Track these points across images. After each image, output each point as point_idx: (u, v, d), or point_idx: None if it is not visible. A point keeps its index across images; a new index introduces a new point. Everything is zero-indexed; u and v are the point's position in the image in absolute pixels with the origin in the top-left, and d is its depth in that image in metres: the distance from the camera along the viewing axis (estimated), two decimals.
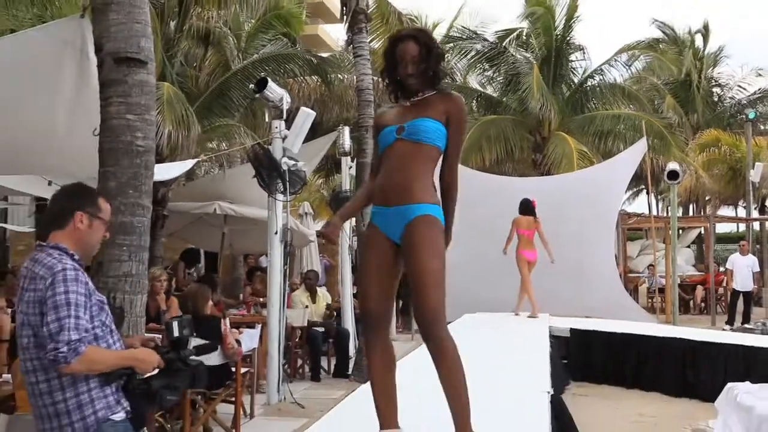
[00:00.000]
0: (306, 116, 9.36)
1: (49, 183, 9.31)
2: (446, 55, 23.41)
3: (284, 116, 9.20)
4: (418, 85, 3.41)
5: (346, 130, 12.14)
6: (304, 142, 9.56)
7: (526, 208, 11.35)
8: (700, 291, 20.24)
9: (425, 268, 3.18)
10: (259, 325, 8.66)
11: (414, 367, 4.98)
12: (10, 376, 5.20)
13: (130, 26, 4.49)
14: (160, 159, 11.51)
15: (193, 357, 3.23)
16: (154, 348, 3.19)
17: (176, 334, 3.26)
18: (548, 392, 5.31)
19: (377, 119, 3.66)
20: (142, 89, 4.55)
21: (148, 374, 3.01)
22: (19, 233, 18.42)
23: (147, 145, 4.57)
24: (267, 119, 9.66)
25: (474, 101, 22.97)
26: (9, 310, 6.65)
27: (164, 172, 10.12)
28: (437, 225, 3.30)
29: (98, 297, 3.00)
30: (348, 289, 12.25)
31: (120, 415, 2.92)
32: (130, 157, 4.50)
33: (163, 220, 12.88)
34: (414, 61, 3.36)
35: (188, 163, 11.83)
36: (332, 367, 10.98)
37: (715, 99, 30.61)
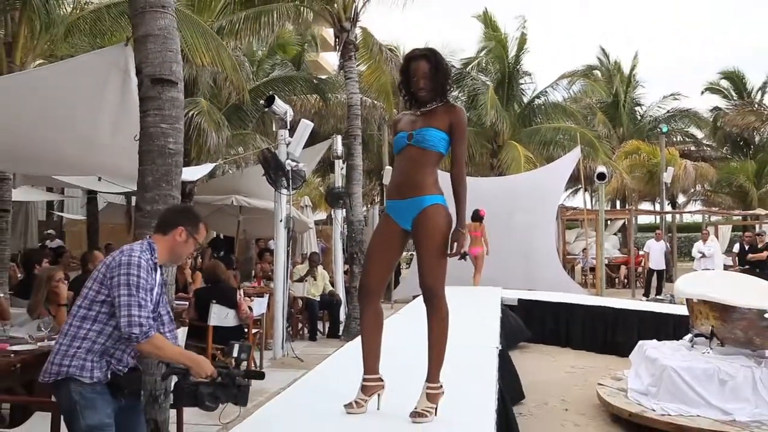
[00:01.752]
0: (306, 127, 9.40)
1: (99, 179, 9.30)
2: None
3: (288, 126, 9.24)
4: (427, 97, 3.31)
5: (339, 138, 12.18)
6: (304, 148, 9.60)
7: (475, 216, 12.23)
8: (623, 270, 20.43)
9: (432, 247, 3.17)
10: (267, 295, 8.72)
11: (389, 329, 5.04)
12: None
13: (164, 54, 4.51)
14: (188, 160, 11.58)
15: (240, 378, 3.04)
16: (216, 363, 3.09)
17: (234, 355, 3.15)
18: (497, 347, 5.40)
19: (395, 123, 3.54)
20: (173, 104, 4.58)
21: (200, 379, 2.95)
22: (73, 220, 18.39)
23: (177, 148, 4.60)
24: (274, 128, 9.68)
25: None
26: (66, 282, 6.63)
27: (191, 174, 10.17)
28: (444, 210, 3.25)
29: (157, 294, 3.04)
30: (340, 267, 12.30)
31: (88, 380, 2.84)
32: (164, 158, 4.53)
33: None
34: (424, 77, 3.28)
35: (209, 167, 11.87)
36: (326, 330, 11.06)
37: (638, 116, 30.83)
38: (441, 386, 3.19)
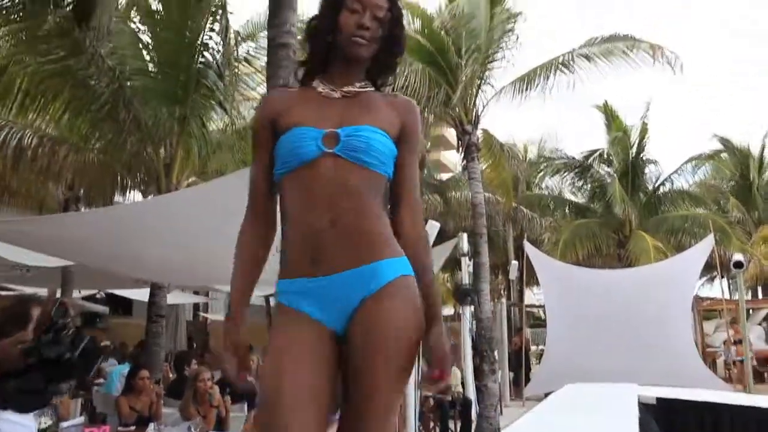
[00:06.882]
0: (433, 228, 9.53)
1: None
2: (541, 172, 23.52)
3: None
4: (364, 57, 1.85)
5: (464, 236, 12.25)
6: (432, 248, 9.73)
7: None
8: None
9: (392, 370, 1.65)
10: None
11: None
12: None
13: None
14: None
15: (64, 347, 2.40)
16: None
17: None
18: None
19: (270, 106, 1.90)
20: None
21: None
22: (217, 321, 19.28)
23: None
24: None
25: (566, 208, 22.86)
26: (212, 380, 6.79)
27: None
28: (416, 294, 1.74)
29: None
30: (470, 365, 12.12)
31: None
32: None
33: None
34: (377, 19, 1.82)
35: None
36: (458, 429, 10.82)
37: None
38: None
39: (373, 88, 1.92)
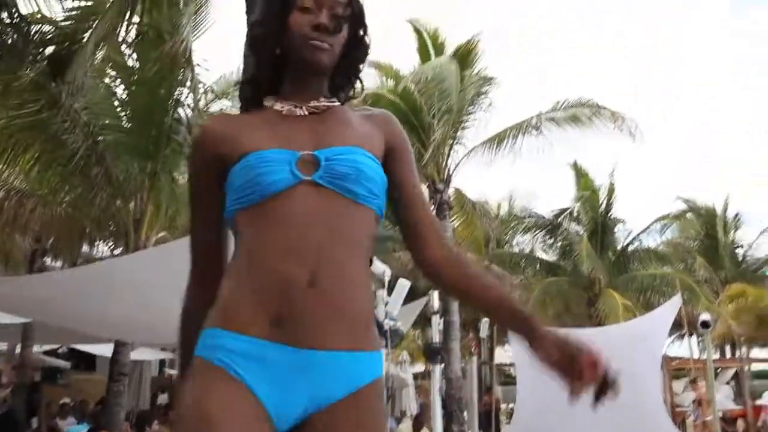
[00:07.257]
0: (403, 287, 9.48)
1: None
2: (510, 230, 23.75)
3: (386, 286, 9.41)
4: (329, 62, 1.47)
5: (435, 294, 12.21)
6: (401, 305, 9.72)
7: None
8: (741, 423, 18.85)
9: None
10: None
11: None
12: None
13: None
14: None
15: None
16: None
17: None
18: None
19: (213, 136, 1.48)
20: None
21: None
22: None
23: None
24: (372, 289, 9.89)
25: (537, 266, 23.05)
26: None
27: None
28: (383, 403, 1.52)
29: None
30: (439, 425, 11.95)
31: None
32: None
33: None
34: (338, 13, 1.46)
35: None
36: None
37: (739, 258, 29.67)
38: None
39: (339, 103, 1.54)
